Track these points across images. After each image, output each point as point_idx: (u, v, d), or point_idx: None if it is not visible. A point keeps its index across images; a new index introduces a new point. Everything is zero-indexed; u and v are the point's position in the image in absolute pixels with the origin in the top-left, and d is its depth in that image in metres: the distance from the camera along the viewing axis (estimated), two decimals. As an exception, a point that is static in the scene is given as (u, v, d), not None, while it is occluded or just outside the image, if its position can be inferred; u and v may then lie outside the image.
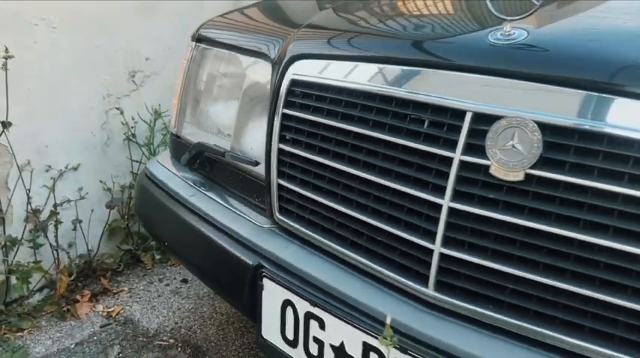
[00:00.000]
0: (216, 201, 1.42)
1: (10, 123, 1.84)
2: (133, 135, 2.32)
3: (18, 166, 1.95)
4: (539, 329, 0.88)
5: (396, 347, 0.97)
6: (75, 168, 2.17)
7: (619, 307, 0.82)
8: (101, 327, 1.99)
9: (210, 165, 1.53)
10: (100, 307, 2.11)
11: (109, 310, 2.10)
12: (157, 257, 2.39)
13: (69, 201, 2.10)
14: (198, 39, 1.62)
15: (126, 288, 2.25)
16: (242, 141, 1.44)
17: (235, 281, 1.26)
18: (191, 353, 1.87)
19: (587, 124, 0.84)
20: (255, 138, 1.38)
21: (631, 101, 0.82)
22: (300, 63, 1.23)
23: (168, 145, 1.74)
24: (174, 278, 2.33)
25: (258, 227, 1.30)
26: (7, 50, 1.79)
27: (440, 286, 0.98)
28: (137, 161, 2.35)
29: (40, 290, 2.11)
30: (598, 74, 0.85)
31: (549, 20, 1.02)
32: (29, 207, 1.98)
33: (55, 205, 2.04)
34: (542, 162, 0.86)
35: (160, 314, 2.08)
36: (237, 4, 1.98)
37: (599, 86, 0.84)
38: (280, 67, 1.27)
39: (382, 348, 0.99)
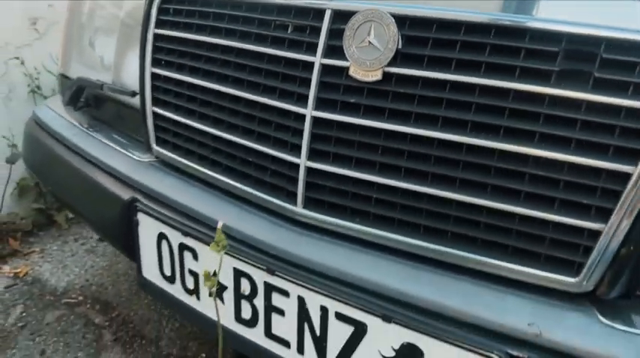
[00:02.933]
0: (98, 138, 1.32)
1: None
2: (38, 87, 2.17)
3: None
4: (403, 239, 0.82)
5: (261, 268, 0.90)
6: (-27, 123, 2.02)
7: (480, 207, 0.76)
8: (5, 288, 1.88)
9: (95, 104, 1.42)
10: (6, 268, 1.99)
11: (16, 271, 1.98)
12: (71, 216, 2.27)
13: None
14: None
15: (37, 249, 2.13)
16: (122, 73, 1.33)
17: (112, 219, 1.18)
18: (100, 309, 1.78)
19: (448, 12, 0.77)
20: (133, 68, 1.27)
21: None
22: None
23: (58, 87, 1.62)
24: (91, 238, 2.22)
25: (136, 161, 1.20)
26: None
27: (308, 203, 0.91)
28: (44, 115, 2.20)
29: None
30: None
31: None
32: None
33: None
34: (399, 59, 0.80)
35: (71, 272, 1.98)
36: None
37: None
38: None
39: (250, 271, 0.93)
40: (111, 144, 1.29)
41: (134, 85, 1.26)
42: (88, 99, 1.43)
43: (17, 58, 2.09)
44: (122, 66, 1.33)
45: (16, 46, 2.12)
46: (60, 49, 1.57)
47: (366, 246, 0.87)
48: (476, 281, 0.78)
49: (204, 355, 1.51)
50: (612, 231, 0.69)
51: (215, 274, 0.84)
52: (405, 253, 0.83)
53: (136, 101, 1.26)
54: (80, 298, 1.84)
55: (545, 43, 0.71)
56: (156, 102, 1.15)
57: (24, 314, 1.75)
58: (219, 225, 0.82)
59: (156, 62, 1.14)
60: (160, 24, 1.13)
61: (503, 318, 0.73)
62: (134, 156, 1.22)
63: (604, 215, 0.69)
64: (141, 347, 1.61)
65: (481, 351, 0.73)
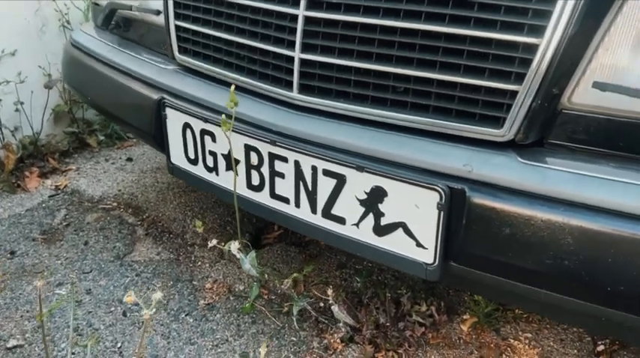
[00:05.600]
0: (129, 53, 1.55)
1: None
2: (68, 22, 2.40)
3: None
4: (374, 111, 1.06)
5: (266, 141, 1.15)
6: (12, 54, 2.26)
7: (430, 80, 0.99)
8: (49, 197, 2.16)
9: (125, 25, 1.65)
10: (48, 182, 2.27)
11: (57, 184, 2.26)
12: (101, 138, 2.53)
13: (7, 82, 2.20)
14: None
15: (74, 167, 2.40)
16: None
17: (145, 117, 1.42)
18: (132, 212, 2.06)
19: None
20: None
21: None
22: None
23: (91, 14, 1.84)
24: (120, 158, 2.48)
25: (162, 69, 1.44)
26: None
27: (303, 88, 1.15)
28: (74, 47, 2.44)
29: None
30: None
31: None
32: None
33: (-7, 87, 2.15)
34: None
35: (104, 184, 2.25)
36: None
37: None
38: None
39: (258, 145, 1.17)
40: (140, 57, 1.53)
41: (158, 5, 1.49)
42: (119, 22, 1.65)
43: (48, -5, 2.31)
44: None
45: (47, -17, 2.33)
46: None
47: (347, 120, 1.10)
48: (428, 139, 1.02)
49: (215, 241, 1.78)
50: (525, 91, 0.92)
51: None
52: (376, 122, 1.07)
53: (160, 19, 1.48)
54: (114, 204, 2.12)
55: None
56: (177, 16, 1.38)
57: (67, 216, 2.04)
58: (232, 88, 1.06)
59: (177, -18, 1.36)
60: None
61: (445, 162, 0.97)
62: (161, 65, 1.46)
63: (519, 78, 0.92)
64: (169, 239, 1.89)
65: (429, 186, 0.97)
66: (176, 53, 1.41)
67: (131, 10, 1.54)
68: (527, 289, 0.96)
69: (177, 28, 1.39)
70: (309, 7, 1.09)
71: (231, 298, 1.61)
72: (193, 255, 1.81)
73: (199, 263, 1.77)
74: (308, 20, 1.09)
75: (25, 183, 2.23)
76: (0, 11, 2.22)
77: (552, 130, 0.95)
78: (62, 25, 2.40)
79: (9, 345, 1.44)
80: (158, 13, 1.47)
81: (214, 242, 1.40)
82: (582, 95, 0.92)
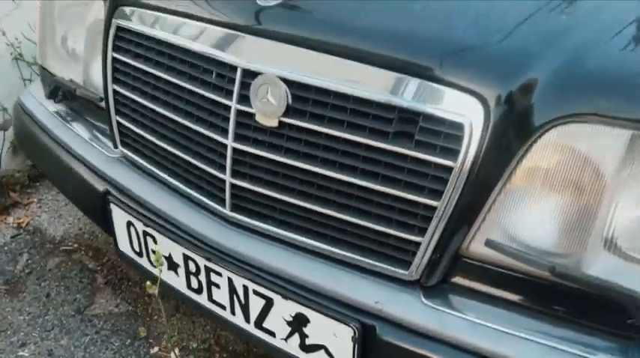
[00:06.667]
0: (76, 132, 1.60)
1: None
2: (20, 55, 2.39)
3: None
4: (298, 238, 1.15)
5: (202, 256, 1.23)
6: (-34, 91, 2.27)
7: (348, 221, 1.08)
8: (11, 238, 2.22)
9: (72, 98, 1.68)
10: (10, 219, 2.33)
11: (19, 221, 2.32)
12: (62, 169, 2.57)
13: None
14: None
15: (35, 199, 2.45)
16: (91, 74, 1.58)
17: (91, 205, 1.49)
18: (92, 256, 2.13)
19: (323, 82, 1.04)
20: (99, 71, 1.51)
21: (353, 63, 1.02)
22: (122, 9, 1.36)
23: (40, 78, 1.86)
24: (81, 187, 2.53)
25: (107, 157, 1.49)
26: None
27: (234, 207, 1.22)
28: (28, 79, 2.44)
29: (-48, 208, 2.30)
30: (327, 36, 1.04)
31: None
32: None
33: (-51, 131, 2.17)
34: (291, 111, 1.07)
35: (65, 221, 2.32)
36: None
37: (334, 49, 1.04)
38: (107, 8, 1.40)
39: (194, 257, 1.26)
40: (87, 138, 1.57)
41: (101, 89, 1.52)
42: (66, 94, 1.68)
43: (-1, 31, 2.30)
44: (91, 68, 1.57)
45: (-4, 18, 2.32)
46: (37, 41, 1.80)
47: (278, 241, 1.19)
48: (348, 270, 1.11)
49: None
50: (427, 242, 1.01)
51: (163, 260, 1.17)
52: (301, 248, 1.16)
53: (104, 104, 1.52)
54: (75, 245, 2.19)
55: (386, 111, 0.99)
56: (118, 112, 1.42)
57: (29, 261, 2.11)
58: (157, 248, 1.14)
59: (116, 80, 1.40)
60: (116, 49, 1.37)
61: (360, 297, 1.07)
62: (106, 153, 1.51)
63: (422, 232, 1.01)
64: (127, 288, 1.98)
65: (343, 320, 1.07)
66: (119, 145, 1.46)
67: (75, 92, 1.57)
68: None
69: (119, 123, 1.43)
70: (236, 140, 1.15)
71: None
72: (150, 306, 1.91)
73: (155, 316, 1.87)
74: (236, 151, 1.16)
75: (-14, 223, 2.29)
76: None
77: (455, 274, 1.06)
78: (15, 58, 2.40)
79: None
80: (101, 99, 1.51)
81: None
82: (477, 248, 1.01)
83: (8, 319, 1.86)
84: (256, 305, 1.19)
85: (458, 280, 1.06)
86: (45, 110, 1.71)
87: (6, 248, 2.17)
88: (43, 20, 1.74)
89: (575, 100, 0.91)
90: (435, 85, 0.97)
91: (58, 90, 1.69)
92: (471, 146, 0.94)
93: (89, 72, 1.58)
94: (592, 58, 0.93)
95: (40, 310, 1.89)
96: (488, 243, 0.99)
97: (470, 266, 1.04)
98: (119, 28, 1.36)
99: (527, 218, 0.98)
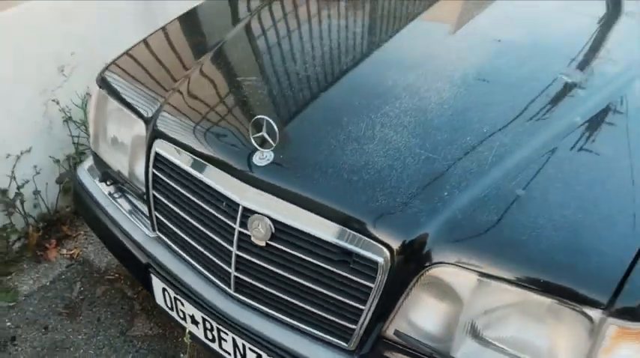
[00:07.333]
0: (123, 212, 2.17)
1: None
2: (70, 118, 2.97)
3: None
4: (280, 315, 1.73)
5: (214, 320, 1.82)
6: (28, 151, 2.85)
7: (309, 310, 1.65)
8: (66, 267, 2.84)
9: (120, 180, 2.25)
10: (64, 250, 2.94)
11: (71, 252, 2.93)
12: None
13: (27, 181, 2.82)
14: (101, 83, 2.23)
15: (82, 232, 3.06)
16: (135, 172, 2.14)
17: (136, 270, 2.08)
18: (130, 284, 2.74)
19: (294, 223, 1.60)
20: (141, 172, 2.07)
21: (311, 213, 1.58)
22: (161, 142, 1.91)
23: (93, 159, 2.41)
24: (118, 221, 3.13)
25: (147, 237, 2.07)
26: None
27: (236, 289, 1.80)
28: (77, 136, 3.02)
29: (18, 239, 2.90)
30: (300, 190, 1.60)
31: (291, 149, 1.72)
32: (-2, 189, 2.72)
33: (18, 187, 2.76)
34: (274, 238, 1.64)
35: (108, 253, 2.91)
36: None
37: (300, 202, 1.60)
38: (149, 134, 1.95)
39: (209, 319, 1.84)
40: (132, 218, 2.15)
41: (144, 185, 2.08)
42: (115, 179, 2.26)
43: (54, 100, 2.87)
44: (135, 168, 2.14)
45: (51, 89, 2.88)
46: (91, 131, 2.35)
47: (263, 314, 1.77)
48: (310, 339, 1.69)
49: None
50: (359, 329, 1.58)
51: (189, 335, 1.76)
52: (281, 321, 1.74)
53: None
54: (116, 275, 2.79)
55: (332, 247, 1.56)
56: (156, 209, 2.00)
57: (82, 288, 2.72)
58: (187, 332, 1.72)
59: (155, 187, 1.97)
60: (155, 167, 1.93)
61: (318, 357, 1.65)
62: (147, 232, 2.09)
63: (355, 323, 1.58)
64: (158, 314, 2.59)
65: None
66: (156, 230, 2.04)
67: (123, 185, 2.14)
68: None
69: (156, 216, 2.01)
70: (238, 249, 1.72)
71: (203, 372, 2.34)
72: (176, 330, 2.52)
73: (180, 338, 2.48)
74: (238, 256, 1.73)
75: (47, 254, 2.90)
76: (18, 117, 2.79)
77: (378, 348, 1.63)
78: (65, 121, 2.97)
79: (54, 416, 2.18)
80: (143, 194, 2.08)
81: None
82: (390, 334, 1.59)
83: (70, 338, 2.48)
84: (251, 356, 1.78)
85: (381, 352, 1.63)
86: (98, 190, 2.28)
87: (63, 276, 2.79)
88: (97, 113, 2.28)
89: (447, 252, 1.46)
90: (361, 236, 1.52)
91: (108, 175, 2.26)
92: (383, 274, 1.51)
93: (133, 170, 2.14)
94: (461, 226, 1.48)
95: (93, 331, 2.51)
96: (396, 333, 1.56)
97: (388, 344, 1.61)
98: (157, 154, 1.92)
99: (419, 318, 1.55)
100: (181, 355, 2.39)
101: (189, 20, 2.58)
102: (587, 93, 1.79)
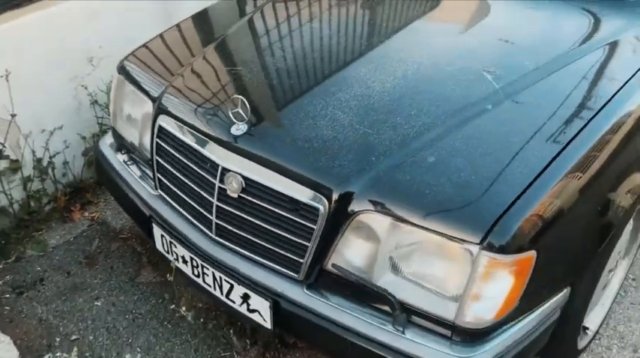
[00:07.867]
0: (133, 175, 2.67)
1: (15, 114, 3.04)
2: (96, 101, 3.49)
3: (23, 135, 3.17)
4: (247, 253, 2.20)
5: (198, 258, 2.30)
6: (60, 128, 3.38)
7: (268, 248, 2.12)
8: (87, 227, 3.35)
9: (132, 151, 2.75)
10: (86, 213, 3.46)
11: (92, 215, 3.44)
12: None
13: (58, 153, 3.35)
14: (120, 70, 2.74)
15: (102, 199, 3.57)
16: (143, 142, 2.63)
17: (141, 220, 2.58)
18: (140, 242, 3.24)
19: (260, 179, 2.07)
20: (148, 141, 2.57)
21: (276, 174, 2.05)
22: (163, 117, 2.40)
23: (112, 133, 2.92)
24: (133, 191, 3.64)
25: (151, 194, 2.56)
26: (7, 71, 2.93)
27: (217, 233, 2.27)
28: (101, 117, 3.54)
29: (49, 203, 3.43)
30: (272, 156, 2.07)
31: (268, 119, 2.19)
32: (34, 158, 3.24)
33: (50, 157, 3.29)
34: (245, 191, 2.11)
35: (123, 217, 3.42)
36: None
37: (268, 164, 2.07)
38: (154, 111, 2.45)
39: (196, 258, 2.32)
40: (139, 179, 2.65)
41: (150, 152, 2.58)
42: (128, 149, 2.76)
43: (82, 86, 3.40)
44: (143, 138, 2.63)
45: (81, 76, 3.41)
46: (111, 109, 2.86)
47: (236, 253, 2.24)
48: (269, 271, 2.16)
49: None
50: (305, 262, 2.04)
51: (175, 267, 2.25)
52: (249, 258, 2.21)
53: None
54: (129, 235, 3.30)
55: (288, 199, 2.02)
56: (158, 171, 2.49)
57: (99, 243, 3.24)
58: (173, 265, 2.21)
59: (157, 153, 2.46)
60: (158, 136, 2.43)
61: (275, 286, 2.11)
62: (151, 190, 2.58)
63: (302, 256, 2.04)
64: (165, 267, 3.08)
65: (265, 297, 2.12)
66: (158, 189, 2.53)
67: (134, 152, 2.64)
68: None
69: (158, 177, 2.50)
70: (218, 200, 2.20)
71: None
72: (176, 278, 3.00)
73: (178, 286, 2.96)
74: (217, 206, 2.21)
75: (72, 216, 3.42)
76: (52, 99, 3.33)
77: (322, 279, 2.08)
78: (92, 104, 3.50)
79: (72, 338, 2.68)
80: (149, 159, 2.57)
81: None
82: (329, 267, 2.04)
83: (88, 282, 2.99)
84: (226, 286, 2.26)
85: (324, 282, 2.09)
86: (115, 158, 2.79)
87: (84, 234, 3.31)
88: (116, 95, 2.79)
89: (370, 202, 1.92)
90: (307, 188, 1.99)
91: (123, 146, 2.77)
92: (322, 219, 1.96)
93: (142, 141, 2.64)
94: (382, 182, 1.93)
95: (107, 277, 3.02)
96: (334, 265, 2.02)
97: (328, 275, 2.07)
98: (160, 126, 2.41)
99: (350, 254, 2.00)
100: (165, 295, 2.88)
101: (201, 18, 3.08)
102: (500, 86, 2.22)
